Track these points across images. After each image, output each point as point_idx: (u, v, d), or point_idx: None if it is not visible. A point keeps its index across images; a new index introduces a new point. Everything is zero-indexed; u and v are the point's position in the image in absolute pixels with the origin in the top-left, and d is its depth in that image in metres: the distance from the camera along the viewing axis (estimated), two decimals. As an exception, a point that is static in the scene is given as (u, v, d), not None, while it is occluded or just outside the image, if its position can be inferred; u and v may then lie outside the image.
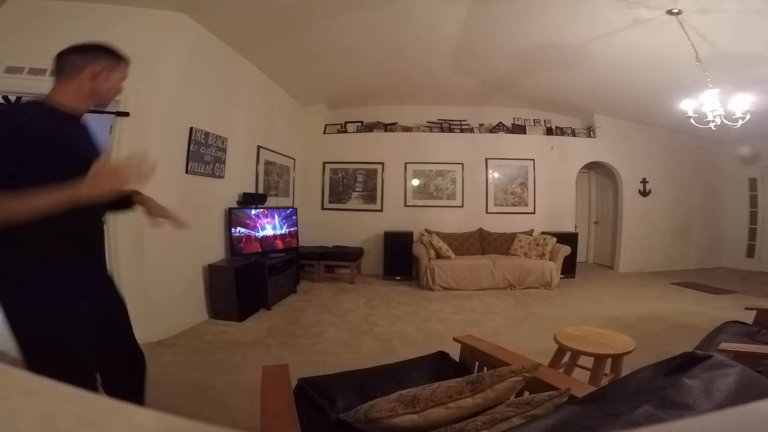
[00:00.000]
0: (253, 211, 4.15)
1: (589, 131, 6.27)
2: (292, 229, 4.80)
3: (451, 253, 5.19)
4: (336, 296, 4.53)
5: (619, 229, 6.35)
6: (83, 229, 1.24)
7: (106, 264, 1.39)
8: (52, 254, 1.13)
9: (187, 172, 3.35)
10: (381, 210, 6.03)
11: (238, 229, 3.91)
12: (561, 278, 5.19)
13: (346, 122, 6.28)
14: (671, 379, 0.75)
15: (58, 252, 1.14)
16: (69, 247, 1.18)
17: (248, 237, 4.03)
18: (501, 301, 4.41)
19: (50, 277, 1.12)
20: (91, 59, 1.24)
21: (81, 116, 1.31)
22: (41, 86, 2.79)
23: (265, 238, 4.26)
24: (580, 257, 6.39)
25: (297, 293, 4.60)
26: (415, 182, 6.10)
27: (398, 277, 5.46)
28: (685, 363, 0.80)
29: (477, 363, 1.61)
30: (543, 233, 5.56)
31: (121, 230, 2.92)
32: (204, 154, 3.55)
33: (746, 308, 2.52)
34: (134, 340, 1.49)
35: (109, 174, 1.09)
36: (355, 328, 3.42)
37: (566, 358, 2.12)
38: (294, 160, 5.76)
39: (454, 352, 1.79)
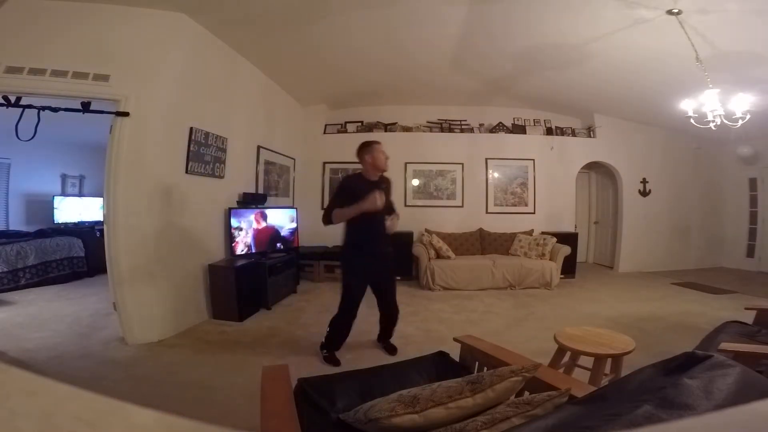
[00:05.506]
0: (253, 211, 4.15)
1: (589, 131, 6.27)
2: (292, 229, 4.80)
3: (451, 253, 5.19)
4: (336, 296, 4.45)
5: (619, 229, 6.35)
6: (368, 234, 2.63)
7: (383, 239, 2.71)
8: (356, 244, 2.65)
9: (187, 172, 3.35)
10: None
11: (239, 229, 3.91)
12: (561, 278, 5.19)
13: (346, 122, 6.27)
14: (671, 379, 0.75)
15: (359, 243, 2.65)
16: (363, 242, 2.64)
17: (248, 237, 4.03)
18: (501, 301, 4.41)
19: (353, 252, 2.68)
20: (365, 152, 2.64)
21: (376, 179, 2.66)
22: (41, 86, 2.80)
23: (264, 238, 4.25)
24: (580, 257, 6.39)
25: (297, 293, 4.60)
26: (415, 182, 6.09)
27: (398, 277, 5.43)
28: (685, 363, 0.80)
29: (477, 363, 1.61)
30: (543, 233, 5.55)
31: (121, 231, 2.92)
32: (204, 154, 3.54)
33: (746, 308, 2.52)
34: (392, 293, 2.90)
35: (370, 200, 2.44)
36: (355, 328, 3.41)
37: (566, 358, 2.12)
38: (294, 160, 5.76)
39: (454, 352, 1.79)
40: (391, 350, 2.93)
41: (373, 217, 2.55)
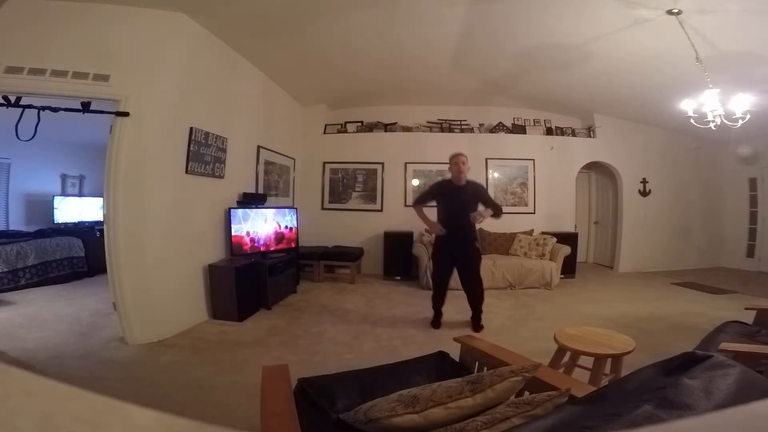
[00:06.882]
0: (253, 211, 4.15)
1: (589, 131, 6.27)
2: (292, 229, 4.80)
3: (451, 253, 5.18)
4: (336, 296, 4.52)
5: (619, 229, 6.35)
6: (453, 222, 3.22)
7: (463, 234, 3.24)
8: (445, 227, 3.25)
9: (187, 172, 3.35)
10: (381, 210, 6.03)
11: (238, 229, 3.91)
12: (561, 278, 5.19)
13: (346, 122, 6.27)
14: (671, 379, 0.75)
15: (446, 227, 3.23)
16: (448, 227, 3.22)
17: (248, 237, 4.03)
18: (501, 301, 4.41)
19: (443, 236, 3.29)
20: (450, 163, 3.29)
21: (460, 184, 3.26)
22: (41, 86, 2.81)
23: (264, 238, 4.25)
24: (580, 257, 6.39)
25: (297, 293, 4.60)
26: (415, 182, 6.09)
27: (398, 277, 5.46)
28: (685, 363, 0.80)
29: (477, 363, 1.61)
30: (543, 233, 5.55)
31: (121, 231, 2.93)
32: (204, 154, 3.54)
33: (746, 308, 2.52)
34: (474, 270, 3.35)
35: (432, 226, 3.31)
36: (355, 328, 3.42)
37: (566, 358, 2.12)
38: (294, 160, 5.76)
39: (455, 352, 1.79)
40: (475, 328, 3.35)
41: (453, 212, 3.24)
